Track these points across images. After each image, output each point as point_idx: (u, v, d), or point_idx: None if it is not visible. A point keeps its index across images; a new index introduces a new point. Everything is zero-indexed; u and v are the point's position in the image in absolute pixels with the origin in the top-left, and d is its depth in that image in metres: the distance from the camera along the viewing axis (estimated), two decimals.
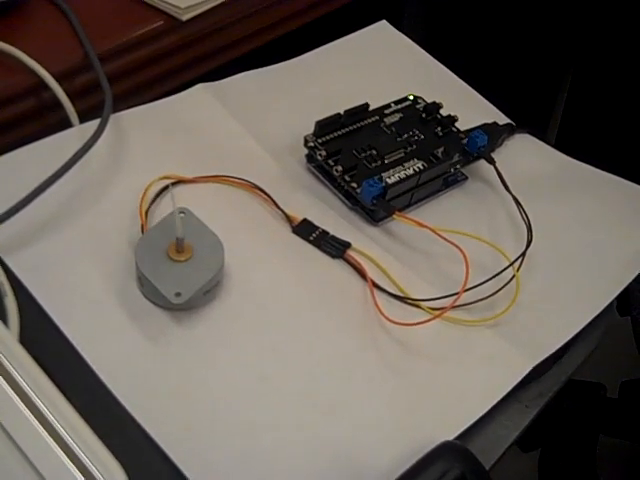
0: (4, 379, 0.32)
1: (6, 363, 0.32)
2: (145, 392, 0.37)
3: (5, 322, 0.37)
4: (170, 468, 0.35)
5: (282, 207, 0.47)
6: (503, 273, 0.44)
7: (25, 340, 0.36)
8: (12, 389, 0.31)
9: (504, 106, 0.59)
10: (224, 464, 0.36)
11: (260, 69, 0.57)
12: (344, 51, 0.60)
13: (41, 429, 0.30)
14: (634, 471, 1.02)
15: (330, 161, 0.48)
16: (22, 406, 0.31)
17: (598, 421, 1.00)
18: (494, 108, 0.59)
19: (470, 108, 0.57)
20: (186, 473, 0.35)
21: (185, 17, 0.54)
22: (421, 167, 0.48)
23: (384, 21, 0.63)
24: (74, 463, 0.30)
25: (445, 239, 0.44)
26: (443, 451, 0.36)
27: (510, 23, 0.86)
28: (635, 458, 1.03)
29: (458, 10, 0.89)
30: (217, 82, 0.54)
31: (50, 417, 0.31)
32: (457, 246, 0.43)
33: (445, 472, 0.34)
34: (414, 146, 0.50)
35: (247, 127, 0.52)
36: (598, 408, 0.98)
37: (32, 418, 0.31)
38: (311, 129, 0.49)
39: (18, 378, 0.32)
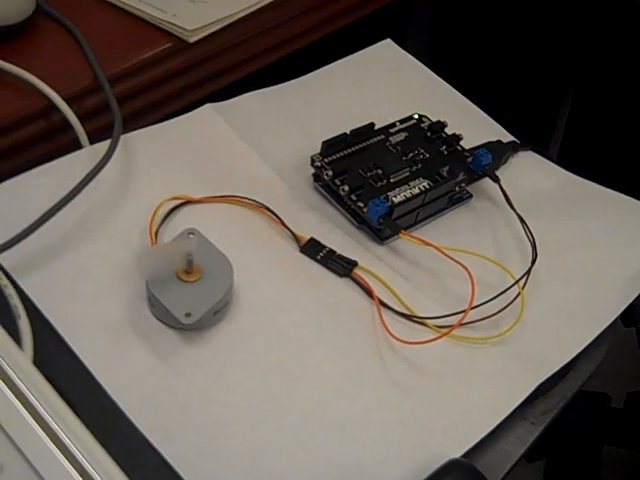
0: (18, 400, 0.32)
1: (20, 384, 0.33)
2: (155, 410, 0.38)
3: (19, 343, 0.37)
4: None
5: (289, 226, 0.47)
6: (508, 291, 0.45)
7: (38, 361, 0.37)
8: (26, 410, 0.32)
9: (507, 123, 0.59)
10: None
11: (266, 89, 0.57)
12: (349, 70, 0.61)
13: (54, 448, 0.31)
14: None
15: (337, 180, 0.48)
16: (36, 426, 0.31)
17: (603, 431, 1.00)
18: (498, 126, 0.59)
19: (474, 126, 0.57)
20: None
21: (192, 39, 0.55)
22: (426, 186, 0.49)
23: (388, 40, 0.64)
24: None
25: (451, 258, 0.44)
26: (450, 469, 0.36)
27: (513, 41, 0.87)
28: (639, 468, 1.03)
29: (461, 29, 0.89)
30: (224, 102, 0.55)
31: (63, 437, 0.31)
32: (463, 265, 0.44)
33: None
34: (419, 165, 0.51)
35: (254, 147, 0.53)
36: (603, 419, 0.98)
37: (45, 438, 0.31)
38: (317, 148, 0.50)
39: (32, 399, 0.32)
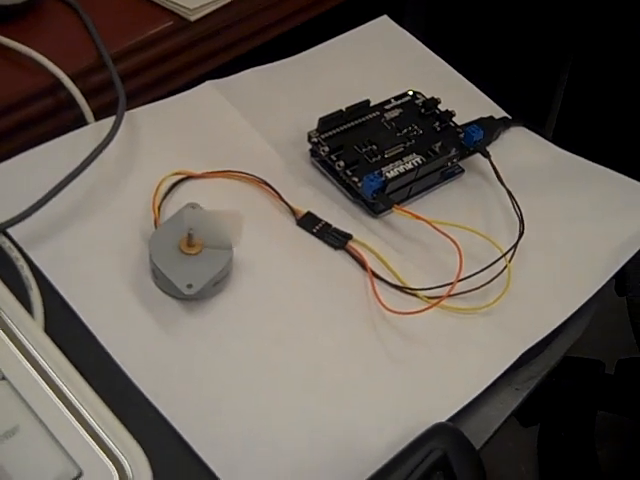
0: (31, 365, 0.34)
1: (32, 350, 0.35)
2: (158, 376, 0.40)
3: (31, 313, 0.39)
4: (183, 446, 0.38)
5: (287, 200, 0.49)
6: (496, 264, 0.47)
7: (49, 329, 0.39)
8: (38, 373, 0.34)
9: (503, 100, 0.61)
10: (234, 444, 0.38)
11: (265, 66, 0.58)
12: (346, 47, 0.62)
13: (65, 409, 0.33)
14: (631, 445, 1.05)
15: (333, 156, 0.50)
16: (47, 388, 0.34)
17: (596, 397, 1.02)
18: (492, 102, 0.60)
19: (468, 102, 0.59)
20: (198, 451, 0.37)
21: (193, 17, 0.56)
22: (419, 161, 0.51)
23: (385, 16, 0.65)
24: (95, 441, 0.33)
25: (440, 231, 0.46)
26: (436, 432, 0.38)
27: (509, 17, 0.87)
28: (632, 433, 1.06)
29: (458, 5, 0.90)
30: (224, 79, 0.56)
31: (72, 398, 0.34)
32: (451, 238, 0.45)
33: (430, 452, 0.36)
34: (413, 141, 0.52)
35: (253, 123, 0.54)
36: (596, 385, 1.00)
37: (57, 399, 0.34)
38: (314, 125, 0.51)
39: (44, 364, 0.35)
